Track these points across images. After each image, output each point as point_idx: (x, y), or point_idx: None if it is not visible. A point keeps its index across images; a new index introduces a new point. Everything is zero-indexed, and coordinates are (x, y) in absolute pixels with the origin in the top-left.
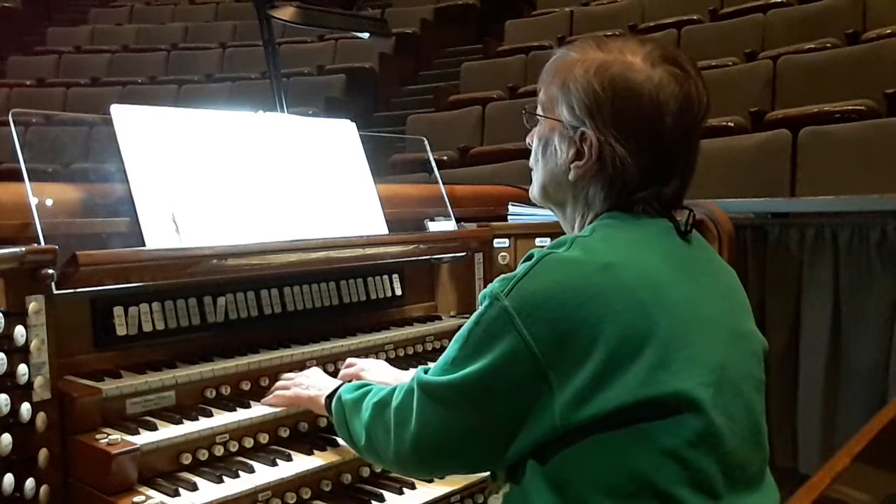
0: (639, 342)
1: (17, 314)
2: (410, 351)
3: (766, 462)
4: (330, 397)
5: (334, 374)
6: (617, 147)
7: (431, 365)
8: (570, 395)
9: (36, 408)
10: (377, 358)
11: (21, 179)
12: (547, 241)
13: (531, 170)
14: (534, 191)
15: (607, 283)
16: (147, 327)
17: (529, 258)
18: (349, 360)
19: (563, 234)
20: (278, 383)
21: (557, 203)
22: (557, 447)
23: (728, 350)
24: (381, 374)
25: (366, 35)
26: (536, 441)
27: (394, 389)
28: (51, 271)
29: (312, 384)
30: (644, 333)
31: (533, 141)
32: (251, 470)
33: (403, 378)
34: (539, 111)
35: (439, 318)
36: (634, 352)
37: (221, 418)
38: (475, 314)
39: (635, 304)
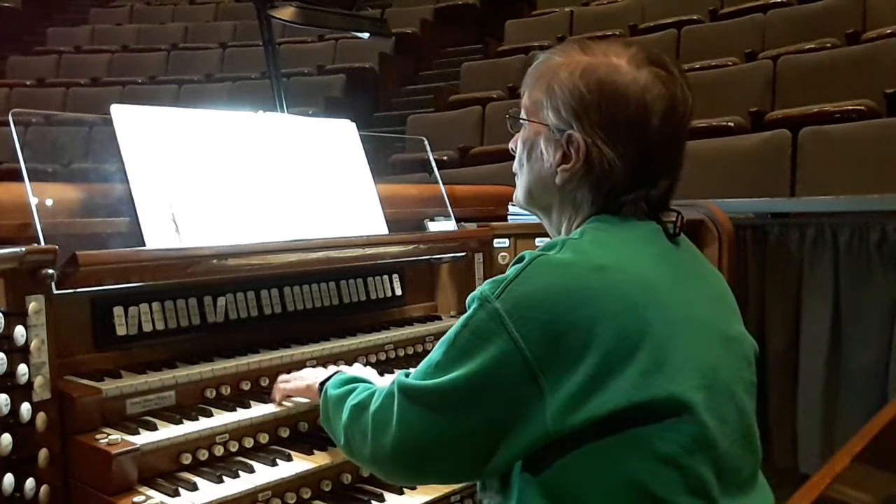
0: (633, 344)
1: (17, 314)
2: (410, 351)
3: (758, 465)
4: (322, 384)
5: None
6: (604, 149)
7: (413, 370)
8: (562, 399)
9: (36, 408)
10: (377, 358)
11: (21, 179)
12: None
13: (515, 175)
14: (518, 196)
15: (600, 285)
16: (147, 327)
17: (520, 260)
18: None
19: None
20: (280, 377)
21: (543, 207)
22: (551, 456)
23: (720, 353)
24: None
25: (366, 35)
26: (528, 447)
27: (374, 392)
28: (51, 271)
29: (309, 376)
30: (638, 336)
31: (517, 146)
32: (251, 470)
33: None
34: (523, 115)
35: (439, 318)
36: (628, 354)
37: (221, 418)
38: (463, 317)
39: (629, 305)
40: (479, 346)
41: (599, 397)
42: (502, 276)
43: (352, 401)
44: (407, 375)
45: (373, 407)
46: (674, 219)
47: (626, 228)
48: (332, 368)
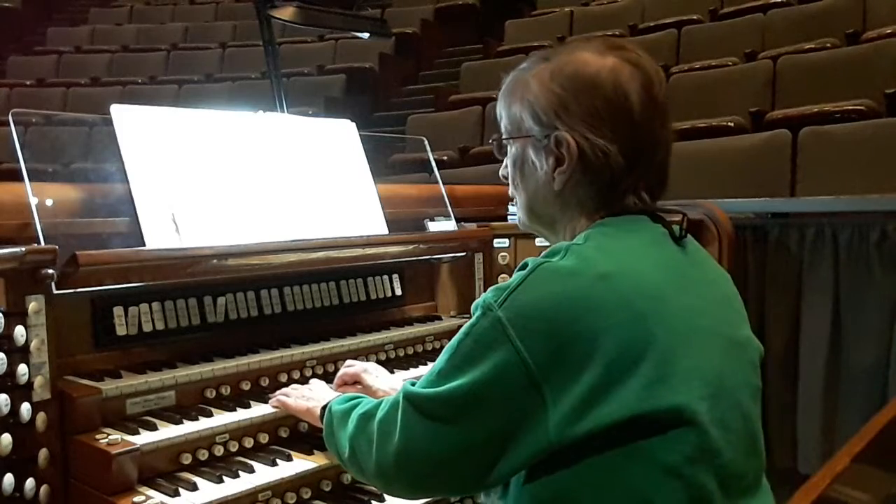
0: (636, 355)
1: (17, 314)
2: (410, 351)
3: (763, 468)
4: (325, 408)
5: (334, 374)
6: (594, 139)
7: (420, 374)
8: (565, 409)
9: (36, 408)
10: (377, 358)
11: (21, 179)
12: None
13: (512, 198)
14: (520, 216)
15: (604, 294)
16: (147, 327)
17: (524, 267)
18: (349, 362)
19: None
20: (283, 390)
21: (546, 222)
22: (553, 466)
23: (725, 360)
24: (380, 380)
25: (366, 35)
26: (530, 458)
27: (381, 402)
28: (51, 271)
29: (313, 396)
30: (642, 346)
31: (508, 170)
32: (251, 470)
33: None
34: (505, 137)
35: (439, 318)
36: (632, 365)
37: (221, 418)
38: (466, 324)
39: (633, 315)
40: (482, 354)
41: (602, 408)
42: (506, 283)
43: (358, 411)
44: (413, 384)
45: (379, 415)
46: (678, 220)
47: (632, 232)
48: (334, 394)
